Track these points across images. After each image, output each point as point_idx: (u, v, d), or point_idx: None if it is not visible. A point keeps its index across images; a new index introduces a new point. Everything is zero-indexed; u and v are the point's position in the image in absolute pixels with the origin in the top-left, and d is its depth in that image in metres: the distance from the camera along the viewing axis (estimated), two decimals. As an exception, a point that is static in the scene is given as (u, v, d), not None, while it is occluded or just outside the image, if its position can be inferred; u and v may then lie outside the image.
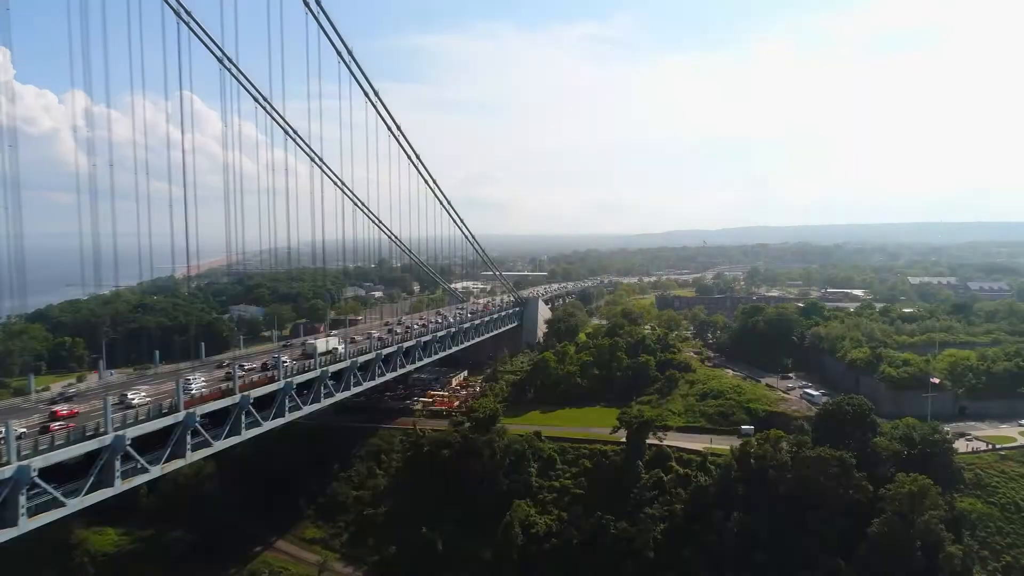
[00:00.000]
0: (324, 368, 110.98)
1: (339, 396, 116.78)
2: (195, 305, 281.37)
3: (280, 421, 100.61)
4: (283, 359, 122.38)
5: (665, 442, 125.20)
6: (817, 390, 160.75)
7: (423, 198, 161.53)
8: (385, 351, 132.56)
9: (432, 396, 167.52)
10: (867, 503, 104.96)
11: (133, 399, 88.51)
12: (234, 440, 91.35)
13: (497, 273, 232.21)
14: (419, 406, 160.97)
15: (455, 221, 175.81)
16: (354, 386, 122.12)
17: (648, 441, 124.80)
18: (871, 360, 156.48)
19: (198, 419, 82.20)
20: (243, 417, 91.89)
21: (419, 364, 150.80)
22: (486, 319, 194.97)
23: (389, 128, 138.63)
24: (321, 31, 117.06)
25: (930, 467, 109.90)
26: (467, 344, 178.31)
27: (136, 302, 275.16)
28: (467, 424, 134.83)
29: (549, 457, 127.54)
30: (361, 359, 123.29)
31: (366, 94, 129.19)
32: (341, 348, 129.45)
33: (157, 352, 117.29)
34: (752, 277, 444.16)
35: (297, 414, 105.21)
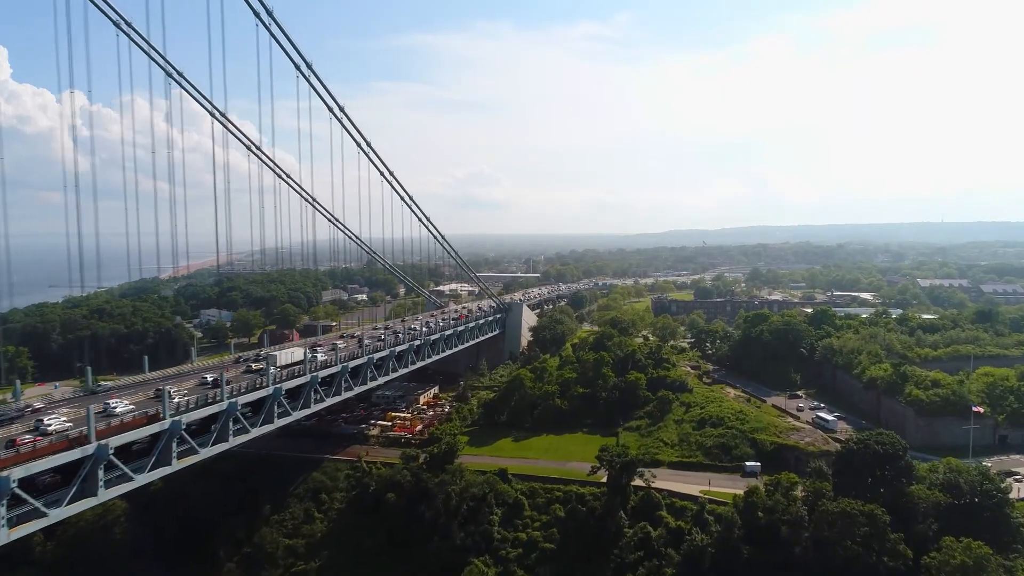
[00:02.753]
0: (232, 400, 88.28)
1: (255, 432, 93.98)
2: (157, 310, 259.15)
3: (162, 471, 77.89)
4: (221, 380, 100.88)
5: (655, 483, 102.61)
6: (831, 413, 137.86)
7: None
8: (323, 373, 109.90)
9: (392, 418, 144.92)
10: (906, 572, 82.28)
11: (50, 425, 74.84)
12: (84, 505, 68.79)
13: (473, 275, 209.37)
14: (375, 431, 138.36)
15: (422, 221, 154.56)
16: (280, 417, 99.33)
17: (634, 483, 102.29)
18: (894, 380, 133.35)
19: (14, 483, 59.75)
20: (101, 472, 69.40)
21: (371, 385, 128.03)
22: (459, 329, 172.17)
23: (332, 111, 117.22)
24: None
25: (980, 522, 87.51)
26: (434, 359, 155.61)
27: (96, 306, 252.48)
28: (422, 459, 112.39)
29: (515, 502, 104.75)
30: (288, 385, 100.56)
31: (296, 66, 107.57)
32: (323, 357, 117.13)
33: (17, 382, 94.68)
34: (753, 279, 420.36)
35: (191, 460, 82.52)
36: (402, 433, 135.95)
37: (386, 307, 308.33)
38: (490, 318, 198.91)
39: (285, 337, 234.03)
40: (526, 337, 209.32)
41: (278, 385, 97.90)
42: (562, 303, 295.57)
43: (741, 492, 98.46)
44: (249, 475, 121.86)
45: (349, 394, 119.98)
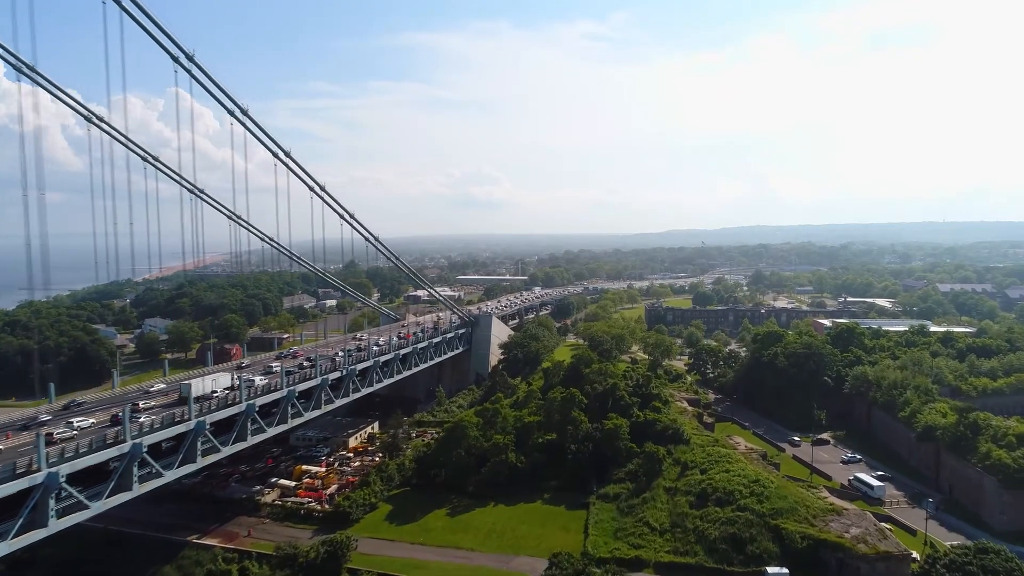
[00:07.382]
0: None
1: (31, 537, 57.99)
2: (88, 322, 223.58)
3: None
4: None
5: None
6: (873, 475, 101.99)
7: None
8: (155, 437, 73.75)
9: (301, 474, 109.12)
10: None
11: None
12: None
13: (423, 283, 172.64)
14: (273, 495, 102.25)
15: (346, 220, 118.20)
16: (59, 519, 63.25)
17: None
18: (961, 433, 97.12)
19: None
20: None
21: (251, 441, 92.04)
22: (405, 351, 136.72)
23: (178, 61, 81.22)
24: None
25: None
26: (363, 393, 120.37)
27: (10, 318, 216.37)
28: (301, 558, 76.35)
29: (425, 636, 68.87)
30: (84, 462, 64.40)
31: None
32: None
33: None
34: (756, 282, 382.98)
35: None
36: (306, 499, 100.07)
37: (360, 316, 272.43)
38: (450, 335, 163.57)
39: (226, 352, 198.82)
40: (496, 355, 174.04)
41: (72, 461, 61.76)
42: (545, 311, 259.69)
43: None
44: (81, 565, 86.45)
45: (212, 458, 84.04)
